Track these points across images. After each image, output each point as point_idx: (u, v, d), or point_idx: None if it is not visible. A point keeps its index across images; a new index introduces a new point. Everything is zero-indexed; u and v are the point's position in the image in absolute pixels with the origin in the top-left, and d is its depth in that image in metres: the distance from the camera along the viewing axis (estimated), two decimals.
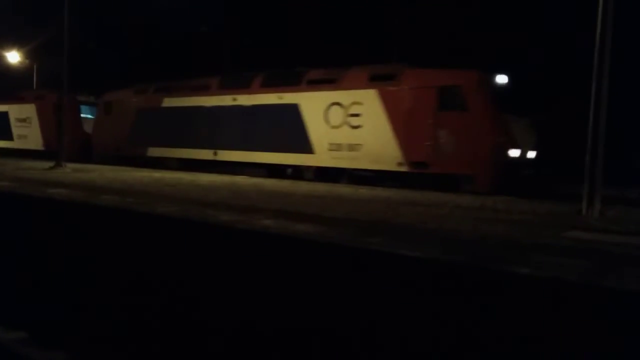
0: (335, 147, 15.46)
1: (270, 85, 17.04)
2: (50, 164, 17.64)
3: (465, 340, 3.95)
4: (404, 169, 14.37)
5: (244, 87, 17.67)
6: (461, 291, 4.14)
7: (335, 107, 15.49)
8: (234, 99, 17.72)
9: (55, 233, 8.03)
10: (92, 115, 24.21)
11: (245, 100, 17.52)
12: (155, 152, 20.21)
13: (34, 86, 33.33)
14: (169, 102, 19.78)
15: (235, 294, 5.59)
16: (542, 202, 11.14)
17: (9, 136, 26.82)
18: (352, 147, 15.14)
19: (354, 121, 15.10)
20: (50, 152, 22.15)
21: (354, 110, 15.14)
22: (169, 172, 17.49)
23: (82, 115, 24.75)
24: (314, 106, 15.86)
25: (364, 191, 12.55)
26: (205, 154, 18.40)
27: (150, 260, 6.61)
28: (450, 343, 4.04)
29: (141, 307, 6.27)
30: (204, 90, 18.79)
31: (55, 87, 24.03)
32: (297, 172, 16.67)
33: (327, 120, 15.66)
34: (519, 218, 8.19)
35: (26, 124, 25.84)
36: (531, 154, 14.34)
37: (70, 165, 17.69)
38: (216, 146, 18.12)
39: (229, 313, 5.57)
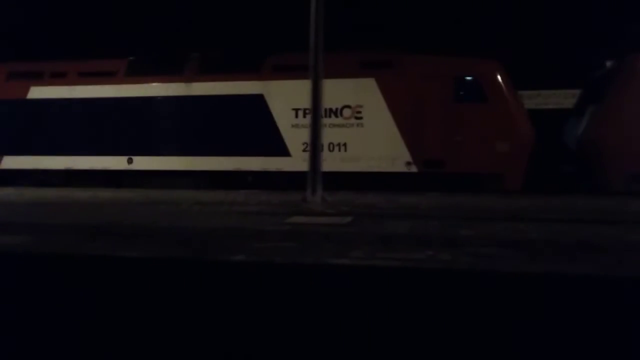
0: None
1: None
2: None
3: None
4: None
5: None
6: (173, 284, 4.15)
7: None
8: None
9: None
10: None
11: None
12: None
13: None
14: None
15: None
16: (279, 193, 11.99)
17: (273, 147, 13.33)
18: None
19: None
20: (410, 177, 12.68)
21: None
22: None
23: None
24: None
25: (104, 195, 11.70)
26: None
27: None
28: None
29: None
30: None
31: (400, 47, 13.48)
32: None
33: None
34: (253, 209, 8.65)
35: (343, 120, 12.99)
36: None
37: None
38: None
39: None
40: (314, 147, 9.21)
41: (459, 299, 3.79)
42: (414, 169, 12.69)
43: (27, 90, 14.93)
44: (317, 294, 4.05)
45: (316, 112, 9.18)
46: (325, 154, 12.32)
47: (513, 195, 11.52)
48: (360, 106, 12.83)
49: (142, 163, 14.09)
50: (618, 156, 11.60)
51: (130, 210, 8.46)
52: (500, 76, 12.51)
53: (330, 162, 12.49)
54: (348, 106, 12.91)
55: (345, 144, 12.91)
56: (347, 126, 12.92)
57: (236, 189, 12.94)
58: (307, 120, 12.03)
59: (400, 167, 12.66)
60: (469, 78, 12.57)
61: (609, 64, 13.20)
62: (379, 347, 3.65)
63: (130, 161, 14.16)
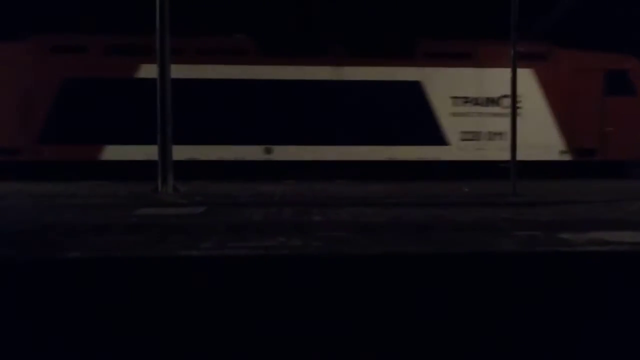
0: None
1: None
2: None
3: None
4: None
5: None
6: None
7: None
8: None
9: None
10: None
11: None
12: None
13: None
14: None
15: None
16: (128, 184, 11.23)
17: (430, 136, 13.06)
18: None
19: None
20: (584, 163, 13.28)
21: None
22: None
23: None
24: None
25: None
26: None
27: None
28: None
29: None
30: None
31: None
32: None
33: None
34: (98, 202, 7.98)
35: (502, 109, 13.04)
36: None
37: None
38: None
39: None
40: (163, 135, 8.77)
41: (309, 283, 3.85)
42: (567, 157, 13.39)
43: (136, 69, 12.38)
44: (164, 288, 3.84)
45: (164, 100, 8.73)
46: (485, 143, 13.14)
47: (366, 183, 12.09)
48: (519, 96, 12.48)
49: (283, 153, 12.72)
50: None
51: None
52: None
53: (489, 152, 13.04)
54: (507, 96, 12.63)
55: (500, 133, 13.09)
56: (506, 116, 12.54)
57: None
58: (466, 108, 13.19)
59: (554, 155, 13.30)
60: (620, 73, 13.43)
61: None
62: (229, 335, 3.56)
63: (268, 151, 12.79)
